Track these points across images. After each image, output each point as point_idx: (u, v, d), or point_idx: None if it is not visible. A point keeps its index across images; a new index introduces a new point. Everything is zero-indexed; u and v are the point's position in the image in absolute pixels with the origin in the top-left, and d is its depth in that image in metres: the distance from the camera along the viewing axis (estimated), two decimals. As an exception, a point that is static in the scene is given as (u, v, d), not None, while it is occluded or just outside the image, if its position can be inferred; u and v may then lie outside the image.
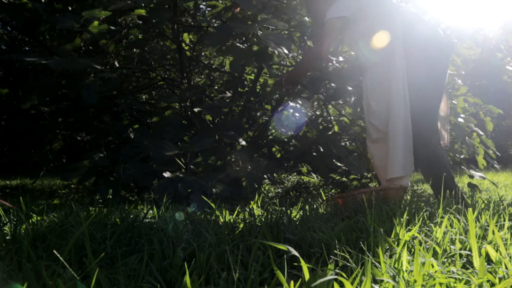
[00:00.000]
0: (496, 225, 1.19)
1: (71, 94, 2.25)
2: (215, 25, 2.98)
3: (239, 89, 3.15)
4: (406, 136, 1.90)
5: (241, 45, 2.64)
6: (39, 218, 1.37)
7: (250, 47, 2.54)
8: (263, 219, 1.33)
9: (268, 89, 3.06)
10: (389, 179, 1.93)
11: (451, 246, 1.01)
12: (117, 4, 2.25)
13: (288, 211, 1.43)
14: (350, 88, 2.83)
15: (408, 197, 2.03)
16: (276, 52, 2.26)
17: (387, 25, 1.98)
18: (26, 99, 2.33)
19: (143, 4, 2.35)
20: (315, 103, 3.53)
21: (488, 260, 0.91)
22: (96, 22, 2.23)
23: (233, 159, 2.59)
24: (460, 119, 3.15)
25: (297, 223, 1.31)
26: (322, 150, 2.96)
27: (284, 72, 3.41)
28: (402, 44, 1.94)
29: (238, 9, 2.55)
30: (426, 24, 2.05)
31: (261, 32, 2.31)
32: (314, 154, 3.00)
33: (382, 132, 2.00)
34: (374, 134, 2.05)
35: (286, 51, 2.33)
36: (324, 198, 2.03)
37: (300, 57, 3.48)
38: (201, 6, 3.64)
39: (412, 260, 0.87)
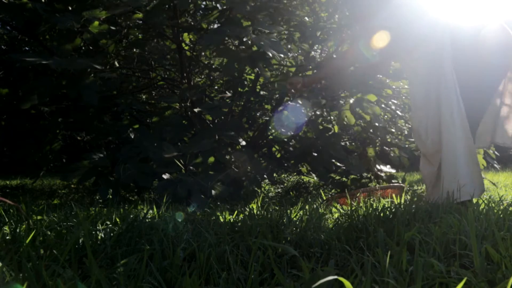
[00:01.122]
0: (496, 225, 1.18)
1: (71, 94, 2.25)
2: (215, 26, 2.98)
3: (239, 89, 3.16)
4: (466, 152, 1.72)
5: (236, 47, 2.65)
6: (39, 218, 1.37)
7: (244, 49, 2.54)
8: (263, 219, 1.33)
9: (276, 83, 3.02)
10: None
11: (451, 246, 1.00)
12: (117, 8, 2.26)
13: (288, 211, 1.43)
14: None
15: (408, 197, 2.03)
16: (270, 54, 2.25)
17: (432, 37, 1.83)
18: (26, 99, 2.33)
19: (142, 7, 2.36)
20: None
21: (488, 260, 0.91)
22: (96, 22, 2.23)
23: (233, 159, 2.59)
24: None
25: (297, 223, 1.30)
26: (321, 150, 2.96)
27: (284, 72, 3.41)
28: (450, 56, 1.79)
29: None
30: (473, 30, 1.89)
31: (254, 36, 2.31)
32: (314, 154, 3.00)
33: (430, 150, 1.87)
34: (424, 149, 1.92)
35: (281, 55, 2.32)
36: (324, 198, 2.03)
37: (300, 57, 3.48)
38: (201, 5, 3.63)
39: (412, 260, 0.87)
